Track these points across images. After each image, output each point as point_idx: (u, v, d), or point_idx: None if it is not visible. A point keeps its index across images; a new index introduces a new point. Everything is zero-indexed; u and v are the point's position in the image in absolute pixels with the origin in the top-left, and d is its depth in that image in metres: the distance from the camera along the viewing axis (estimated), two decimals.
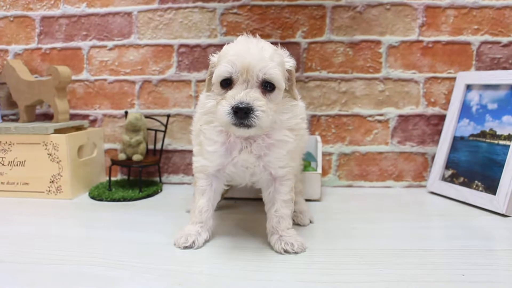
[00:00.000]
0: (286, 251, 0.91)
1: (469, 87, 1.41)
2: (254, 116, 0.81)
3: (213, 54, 0.95)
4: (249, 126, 0.82)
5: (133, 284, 0.78)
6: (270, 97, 0.86)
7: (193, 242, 0.94)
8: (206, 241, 0.97)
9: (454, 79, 1.45)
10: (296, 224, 1.10)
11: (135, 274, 0.83)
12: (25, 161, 1.39)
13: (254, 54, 0.84)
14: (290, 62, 0.92)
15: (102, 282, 0.79)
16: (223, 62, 0.85)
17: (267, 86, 0.85)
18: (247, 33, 0.92)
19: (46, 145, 1.36)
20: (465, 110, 1.40)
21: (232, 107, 0.82)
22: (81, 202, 1.35)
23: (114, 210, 1.26)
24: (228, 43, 0.91)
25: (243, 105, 0.81)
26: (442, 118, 1.47)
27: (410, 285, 0.77)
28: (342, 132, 1.51)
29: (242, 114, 0.81)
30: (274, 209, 0.95)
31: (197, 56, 1.53)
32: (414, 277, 0.81)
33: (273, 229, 0.94)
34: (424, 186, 1.47)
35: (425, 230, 1.09)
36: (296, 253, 0.91)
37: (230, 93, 0.84)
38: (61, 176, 1.37)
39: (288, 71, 0.91)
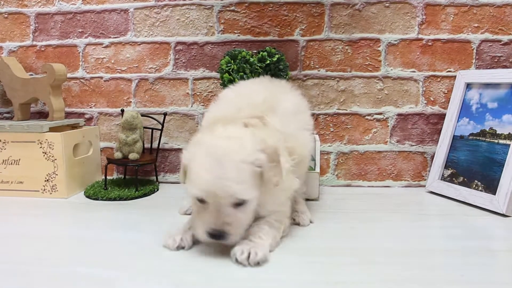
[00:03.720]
0: (238, 260, 0.85)
1: (469, 86, 1.40)
2: (228, 237, 0.85)
3: (184, 151, 0.91)
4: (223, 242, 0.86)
5: (130, 285, 0.77)
6: (242, 209, 0.86)
7: (181, 239, 0.92)
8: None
9: (454, 77, 1.44)
10: (296, 224, 1.09)
11: (131, 274, 0.81)
12: (19, 159, 1.37)
13: (219, 182, 0.82)
14: (259, 159, 0.86)
15: (98, 283, 0.78)
16: (192, 184, 0.86)
17: (238, 203, 0.85)
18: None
19: (41, 143, 1.35)
20: (465, 109, 1.39)
21: (207, 232, 0.85)
22: (76, 201, 1.34)
23: (110, 210, 1.24)
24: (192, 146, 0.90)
25: (216, 232, 0.85)
26: (441, 117, 1.45)
27: (409, 285, 0.76)
28: (340, 131, 1.49)
29: (216, 237, 0.86)
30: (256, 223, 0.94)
31: (194, 54, 1.51)
32: (413, 277, 0.80)
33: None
34: (423, 186, 1.46)
35: (424, 230, 1.08)
36: (249, 264, 0.84)
37: (204, 215, 0.86)
38: (56, 174, 1.35)
39: (260, 165, 0.86)
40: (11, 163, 1.37)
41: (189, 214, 1.14)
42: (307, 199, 1.27)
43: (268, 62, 1.30)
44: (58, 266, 0.85)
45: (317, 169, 1.32)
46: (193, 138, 0.93)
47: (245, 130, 0.91)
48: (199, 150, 0.87)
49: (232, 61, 1.32)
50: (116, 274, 0.81)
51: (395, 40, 1.45)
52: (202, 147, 0.87)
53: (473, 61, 1.44)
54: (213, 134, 0.89)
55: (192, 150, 0.89)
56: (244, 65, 1.30)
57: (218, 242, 0.86)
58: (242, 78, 1.29)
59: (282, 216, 0.97)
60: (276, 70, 1.31)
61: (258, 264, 0.84)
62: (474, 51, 1.43)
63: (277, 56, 1.31)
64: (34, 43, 1.58)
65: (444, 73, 1.45)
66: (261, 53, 1.32)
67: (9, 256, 0.90)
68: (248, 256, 0.84)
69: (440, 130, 1.44)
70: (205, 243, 0.89)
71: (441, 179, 1.39)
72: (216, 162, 0.83)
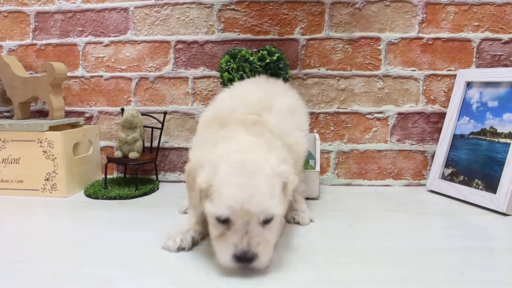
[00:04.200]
0: None
1: (469, 85, 1.39)
2: (259, 260, 0.77)
3: (198, 174, 0.83)
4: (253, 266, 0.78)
5: (130, 284, 0.77)
6: (270, 227, 0.80)
7: (181, 240, 0.91)
8: (202, 237, 0.96)
9: (454, 76, 1.44)
10: (296, 223, 1.09)
11: (131, 273, 0.81)
12: (19, 158, 1.37)
13: (252, 197, 0.76)
14: (286, 171, 0.84)
15: (98, 282, 0.78)
16: (218, 203, 0.78)
17: (265, 221, 0.79)
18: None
19: (41, 142, 1.34)
20: (465, 108, 1.39)
21: (235, 255, 0.77)
22: (76, 200, 1.34)
23: (110, 209, 1.24)
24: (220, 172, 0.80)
25: (248, 255, 0.76)
26: (442, 116, 1.45)
27: (409, 285, 0.76)
28: (340, 130, 1.49)
29: (246, 261, 0.77)
30: None
31: (194, 53, 1.51)
32: (413, 277, 0.79)
33: None
34: (424, 185, 1.46)
35: (424, 229, 1.08)
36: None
37: (230, 236, 0.78)
38: (56, 173, 1.35)
39: (288, 177, 0.84)
40: (11, 162, 1.37)
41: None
42: (307, 198, 1.26)
43: (268, 61, 1.30)
44: (58, 265, 0.85)
45: (317, 168, 1.32)
46: (199, 159, 0.85)
47: (257, 142, 0.86)
48: (223, 168, 0.80)
49: (231, 60, 1.32)
50: (116, 273, 0.81)
51: (396, 39, 1.45)
52: (225, 164, 0.80)
53: (474, 60, 1.44)
54: (227, 149, 0.83)
55: (211, 171, 0.81)
56: (244, 64, 1.29)
57: (247, 267, 0.78)
58: (241, 77, 1.28)
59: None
60: (276, 69, 1.31)
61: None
62: (475, 50, 1.43)
63: (277, 54, 1.31)
64: (34, 41, 1.58)
65: (444, 72, 1.45)
66: (261, 52, 1.31)
67: (9, 255, 0.90)
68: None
69: (441, 129, 1.44)
70: (229, 269, 0.79)
71: (441, 178, 1.39)
72: (247, 176, 0.78)
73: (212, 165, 0.81)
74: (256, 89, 1.09)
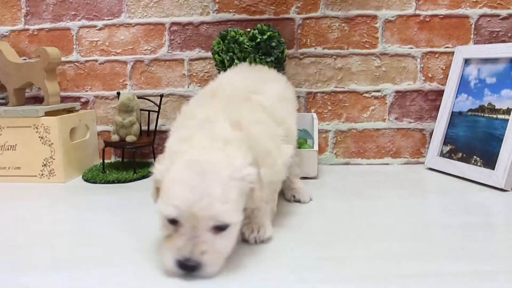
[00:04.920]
0: (246, 239, 0.83)
1: (467, 62, 1.38)
2: (204, 269, 0.70)
3: (156, 164, 0.77)
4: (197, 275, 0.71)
5: (130, 264, 0.78)
6: (224, 235, 0.72)
7: None
8: None
9: (452, 53, 1.43)
10: (296, 201, 1.09)
11: (131, 254, 0.82)
12: (16, 145, 1.36)
13: (202, 200, 0.68)
14: (251, 175, 0.74)
15: (100, 263, 0.78)
16: (166, 201, 0.71)
17: (219, 227, 0.71)
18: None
19: (37, 128, 1.34)
20: (463, 85, 1.38)
21: (178, 261, 0.70)
22: (74, 185, 1.34)
23: (108, 192, 1.24)
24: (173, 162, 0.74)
25: (189, 263, 0.69)
26: (440, 93, 1.44)
27: (409, 260, 0.76)
28: (338, 109, 1.48)
29: (188, 268, 0.70)
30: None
31: (189, 34, 1.49)
32: (413, 252, 0.80)
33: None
34: (422, 163, 1.46)
35: (423, 205, 1.08)
36: (256, 243, 0.83)
37: (175, 239, 0.71)
38: (54, 159, 1.34)
39: (252, 181, 0.75)
40: (8, 148, 1.37)
41: None
42: (306, 178, 1.27)
43: (258, 40, 1.27)
44: (60, 248, 0.86)
45: (315, 147, 1.31)
46: (167, 148, 0.80)
47: (231, 137, 0.77)
48: (177, 163, 0.73)
49: (221, 42, 1.31)
50: (117, 254, 0.82)
51: (392, 17, 1.43)
52: (180, 159, 0.73)
53: (472, 36, 1.42)
54: (193, 144, 0.76)
55: (167, 163, 0.75)
56: (233, 45, 1.28)
57: (189, 274, 0.70)
58: (231, 58, 1.28)
59: (277, 185, 0.94)
60: (267, 48, 1.28)
61: (264, 242, 0.83)
62: (473, 26, 1.42)
63: (268, 33, 1.28)
64: (26, 27, 1.56)
65: (442, 49, 1.44)
66: (252, 31, 1.29)
67: (10, 240, 0.91)
68: (258, 232, 0.83)
69: (439, 107, 1.43)
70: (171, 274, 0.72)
71: (440, 156, 1.39)
72: (198, 176, 0.70)
73: (170, 157, 0.75)
74: (243, 78, 1.05)
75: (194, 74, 1.51)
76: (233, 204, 0.71)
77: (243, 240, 0.83)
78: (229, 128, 0.79)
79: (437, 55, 1.44)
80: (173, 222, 0.71)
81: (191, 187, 0.69)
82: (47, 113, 1.36)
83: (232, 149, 0.75)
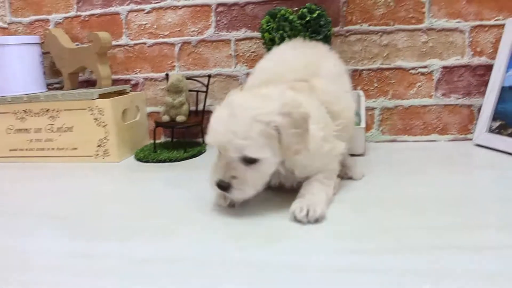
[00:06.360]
0: (297, 218, 0.84)
1: None
2: (232, 191, 0.85)
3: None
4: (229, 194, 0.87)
5: (188, 234, 0.82)
6: (254, 167, 0.85)
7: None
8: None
9: (502, 26, 1.39)
10: (349, 178, 1.10)
11: (187, 226, 0.86)
12: (72, 127, 1.43)
13: (226, 135, 0.83)
14: (275, 121, 0.83)
15: (157, 232, 0.83)
16: (208, 133, 0.88)
17: (248, 160, 0.84)
18: None
19: (91, 110, 1.39)
20: None
21: (215, 181, 0.86)
22: (128, 164, 1.39)
23: (161, 171, 1.29)
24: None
25: (222, 184, 0.85)
26: (489, 68, 1.41)
27: (460, 230, 0.77)
28: (384, 86, 1.48)
29: (221, 188, 0.86)
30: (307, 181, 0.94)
31: (235, 15, 1.51)
32: (464, 223, 0.81)
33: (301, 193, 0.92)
34: (470, 139, 1.44)
35: (473, 180, 1.07)
36: (309, 222, 0.83)
37: (217, 165, 0.88)
38: (108, 140, 1.40)
39: (277, 127, 0.83)
40: (65, 130, 1.43)
41: None
42: (353, 155, 1.27)
43: (308, 18, 1.29)
44: (121, 219, 0.91)
45: (363, 124, 1.32)
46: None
47: (279, 91, 0.88)
48: (221, 104, 0.90)
49: (271, 20, 1.32)
50: (172, 224, 0.87)
51: None
52: (225, 101, 0.89)
53: None
54: (245, 92, 0.91)
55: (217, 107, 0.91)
56: (284, 23, 1.29)
57: (225, 194, 0.87)
58: (281, 36, 1.29)
59: (331, 174, 0.97)
60: (316, 26, 1.30)
61: (317, 220, 0.83)
62: None
63: (317, 12, 1.29)
64: (78, 13, 1.62)
65: (492, 22, 1.40)
66: (301, 10, 1.31)
67: (74, 213, 0.97)
68: (307, 213, 0.83)
69: (487, 82, 1.40)
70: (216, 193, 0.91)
71: (489, 132, 1.37)
72: (229, 115, 0.84)
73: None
74: (299, 54, 1.09)
75: (241, 54, 1.53)
76: (254, 141, 0.82)
77: (296, 220, 0.84)
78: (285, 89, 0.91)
79: (486, 28, 1.41)
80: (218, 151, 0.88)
81: (220, 124, 0.85)
82: (100, 96, 1.41)
83: (272, 99, 0.86)
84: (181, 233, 0.83)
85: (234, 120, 0.83)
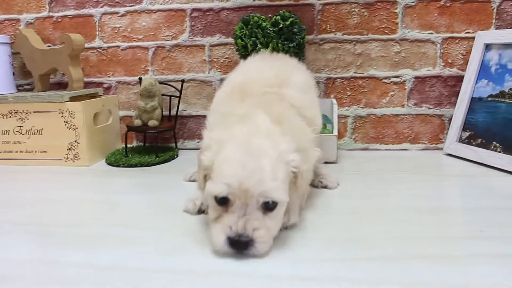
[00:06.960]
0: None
1: (488, 47, 1.38)
2: (255, 247, 0.71)
3: (202, 155, 0.80)
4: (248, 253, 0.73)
5: (154, 243, 0.80)
6: (272, 215, 0.75)
7: (202, 203, 0.93)
8: None
9: (472, 39, 1.42)
10: (324, 187, 1.10)
11: (155, 233, 0.84)
12: (42, 129, 1.40)
13: (253, 176, 0.71)
14: (296, 160, 0.78)
15: (124, 241, 0.81)
16: (217, 180, 0.73)
17: (268, 206, 0.74)
18: None
19: (62, 112, 1.37)
20: (483, 71, 1.37)
21: (229, 238, 0.71)
22: (98, 168, 1.37)
23: (131, 176, 1.27)
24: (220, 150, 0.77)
25: (242, 239, 0.71)
26: (459, 79, 1.44)
27: (429, 241, 0.78)
28: (357, 95, 1.49)
29: (240, 246, 0.72)
30: None
31: (210, 20, 1.51)
32: (433, 233, 0.81)
33: None
34: (441, 149, 1.46)
35: (442, 189, 1.09)
36: (286, 227, 0.83)
37: (226, 218, 0.73)
38: (78, 143, 1.38)
39: (294, 173, 0.79)
40: (34, 132, 1.40)
41: (194, 181, 1.17)
42: (325, 162, 1.28)
43: (281, 26, 1.29)
44: (86, 227, 0.89)
45: (335, 132, 1.33)
46: (208, 141, 0.81)
47: (273, 127, 0.81)
48: (227, 146, 0.76)
49: (244, 27, 1.32)
50: (141, 233, 0.85)
51: (413, 2, 1.43)
52: (230, 143, 0.76)
53: (493, 21, 1.41)
54: (239, 131, 0.78)
55: (215, 149, 0.77)
56: (256, 30, 1.29)
57: (241, 253, 0.72)
58: (254, 43, 1.29)
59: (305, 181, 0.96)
60: (290, 34, 1.30)
61: (286, 228, 0.83)
62: (494, 11, 1.41)
63: (290, 19, 1.29)
64: (51, 14, 1.59)
65: (462, 35, 1.43)
66: (274, 17, 1.31)
67: (38, 219, 0.94)
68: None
69: (458, 93, 1.43)
70: (223, 255, 0.73)
71: (459, 142, 1.39)
72: (248, 156, 0.73)
73: (218, 144, 0.77)
74: (268, 66, 1.07)
75: (215, 59, 1.53)
76: (281, 183, 0.74)
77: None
78: (270, 122, 0.82)
79: (457, 41, 1.43)
80: (223, 202, 0.73)
81: (243, 165, 0.72)
82: (72, 98, 1.39)
83: (276, 137, 0.78)
84: (149, 241, 0.81)
85: (258, 160, 0.73)
